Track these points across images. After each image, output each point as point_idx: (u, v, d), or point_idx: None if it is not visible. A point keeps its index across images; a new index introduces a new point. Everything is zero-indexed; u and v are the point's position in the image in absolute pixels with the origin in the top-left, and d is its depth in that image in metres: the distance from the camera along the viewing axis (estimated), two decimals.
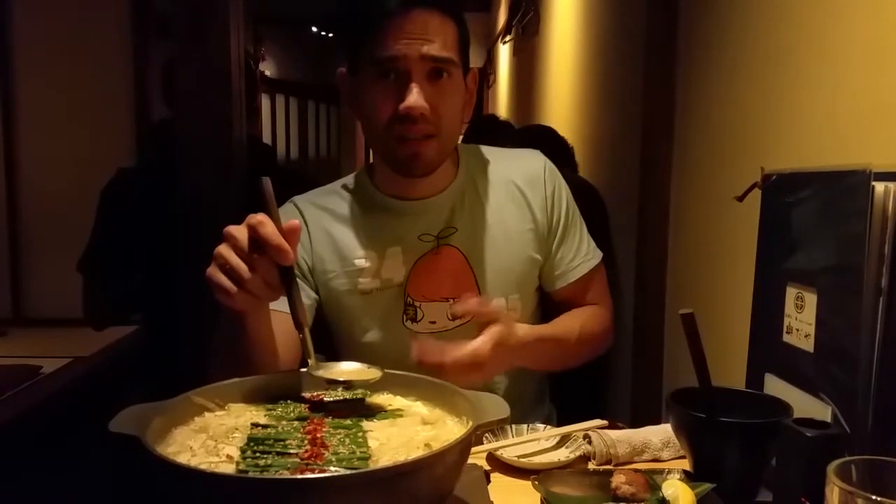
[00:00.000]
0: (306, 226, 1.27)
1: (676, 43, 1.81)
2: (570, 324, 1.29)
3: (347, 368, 0.92)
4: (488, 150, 1.36)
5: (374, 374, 0.90)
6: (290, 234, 0.90)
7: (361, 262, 1.25)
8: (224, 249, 0.91)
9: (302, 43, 7.17)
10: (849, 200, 0.85)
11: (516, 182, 1.31)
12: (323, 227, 1.28)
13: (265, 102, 6.26)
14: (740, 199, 1.09)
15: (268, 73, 6.26)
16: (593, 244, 1.38)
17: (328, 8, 6.65)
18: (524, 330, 1.17)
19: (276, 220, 0.90)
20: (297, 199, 1.33)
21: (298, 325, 0.92)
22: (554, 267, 1.32)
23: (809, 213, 0.94)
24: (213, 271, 0.91)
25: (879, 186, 0.81)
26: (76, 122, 2.69)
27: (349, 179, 1.35)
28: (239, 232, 0.90)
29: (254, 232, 0.88)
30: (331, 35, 7.19)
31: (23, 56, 2.67)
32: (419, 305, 1.25)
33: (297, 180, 2.31)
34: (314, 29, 7.20)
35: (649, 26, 1.90)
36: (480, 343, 1.07)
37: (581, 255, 1.34)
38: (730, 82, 1.51)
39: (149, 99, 2.69)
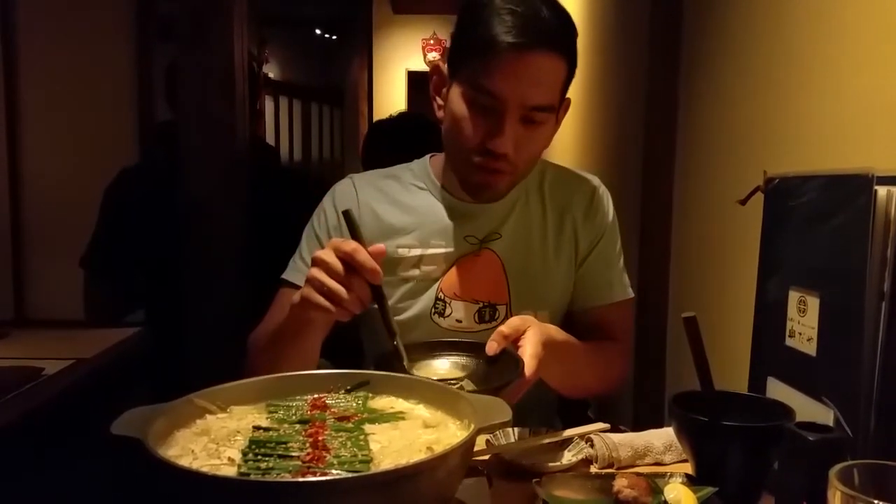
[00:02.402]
0: (358, 205, 1.30)
1: (680, 45, 1.81)
2: (587, 343, 1.26)
3: (440, 369, 1.06)
4: (549, 166, 1.37)
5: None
6: (377, 256, 0.99)
7: (405, 252, 1.27)
8: (318, 273, 0.99)
9: (306, 45, 7.18)
10: (851, 204, 0.85)
11: (569, 204, 1.33)
12: (373, 210, 1.30)
13: (268, 104, 6.26)
14: (743, 202, 1.09)
15: (271, 74, 6.26)
16: (625, 281, 1.37)
17: (332, 10, 6.66)
18: (554, 328, 1.16)
19: (364, 245, 1.00)
20: (356, 176, 1.36)
21: (392, 333, 1.03)
22: (575, 287, 1.33)
23: (812, 217, 0.94)
24: (311, 293, 1.00)
25: (882, 190, 0.81)
26: (80, 124, 2.69)
27: (413, 165, 1.37)
28: (329, 257, 0.99)
29: (350, 258, 0.97)
30: (334, 37, 7.20)
31: (26, 57, 2.68)
32: (449, 302, 1.27)
33: (299, 182, 2.32)
34: (318, 31, 7.20)
35: (653, 28, 1.90)
36: (534, 352, 1.03)
37: (604, 285, 1.34)
38: (733, 85, 1.51)
39: (152, 100, 2.69)
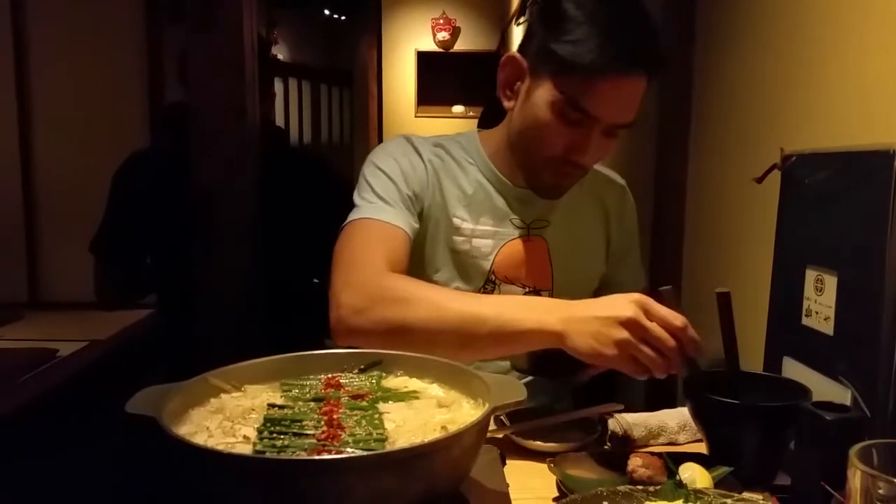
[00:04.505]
0: (423, 161, 1.26)
1: (694, 19, 1.78)
2: None
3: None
4: None
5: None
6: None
7: (459, 222, 1.26)
8: (643, 347, 0.94)
9: (314, 26, 7.14)
10: (870, 181, 0.84)
11: (605, 199, 1.38)
12: (437, 173, 1.27)
13: (278, 86, 6.23)
14: (759, 180, 1.08)
15: (280, 56, 6.24)
16: (642, 272, 1.46)
17: None
18: None
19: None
20: (409, 136, 1.31)
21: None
22: (604, 285, 1.38)
23: (830, 195, 0.93)
24: (624, 362, 0.96)
25: None
26: (90, 107, 2.69)
27: (461, 139, 1.34)
28: (659, 332, 0.94)
29: (679, 333, 0.93)
30: (343, 18, 7.16)
31: (37, 42, 2.68)
32: (498, 284, 1.27)
33: (310, 163, 2.31)
34: (327, 12, 7.17)
35: (666, 4, 1.87)
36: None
37: (630, 281, 1.39)
38: (750, 60, 1.48)
39: (163, 83, 2.69)
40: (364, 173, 1.25)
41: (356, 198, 1.23)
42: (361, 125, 6.61)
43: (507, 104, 1.24)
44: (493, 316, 1.02)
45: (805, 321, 0.96)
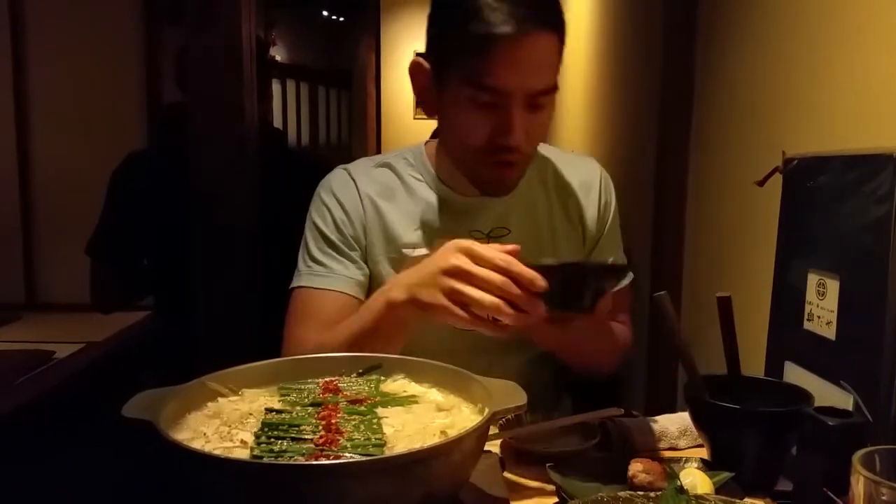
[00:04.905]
0: (359, 198, 1.24)
1: (696, 21, 1.78)
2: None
3: None
4: (546, 150, 1.32)
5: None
6: (515, 254, 0.94)
7: (409, 252, 1.22)
8: (465, 288, 0.92)
9: (313, 27, 7.14)
10: (873, 185, 0.83)
11: (572, 188, 1.31)
12: (374, 203, 1.24)
13: (275, 87, 6.22)
14: (760, 183, 1.07)
15: (278, 57, 6.22)
16: (625, 260, 1.38)
17: None
18: None
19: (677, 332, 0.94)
20: (350, 167, 1.29)
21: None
22: None
23: (832, 198, 0.92)
24: (458, 311, 0.93)
25: None
26: (88, 107, 2.69)
27: (408, 154, 1.30)
28: (479, 270, 0.92)
29: (506, 272, 0.92)
30: (342, 19, 7.15)
31: (35, 43, 2.67)
32: None
33: (308, 165, 2.31)
34: (325, 13, 7.16)
35: (667, 4, 1.87)
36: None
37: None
38: (751, 62, 1.48)
39: (160, 84, 2.68)
40: (306, 226, 1.27)
41: (299, 258, 1.27)
42: (360, 127, 6.60)
43: (427, 112, 1.21)
44: (366, 320, 1.05)
45: (807, 325, 0.95)
